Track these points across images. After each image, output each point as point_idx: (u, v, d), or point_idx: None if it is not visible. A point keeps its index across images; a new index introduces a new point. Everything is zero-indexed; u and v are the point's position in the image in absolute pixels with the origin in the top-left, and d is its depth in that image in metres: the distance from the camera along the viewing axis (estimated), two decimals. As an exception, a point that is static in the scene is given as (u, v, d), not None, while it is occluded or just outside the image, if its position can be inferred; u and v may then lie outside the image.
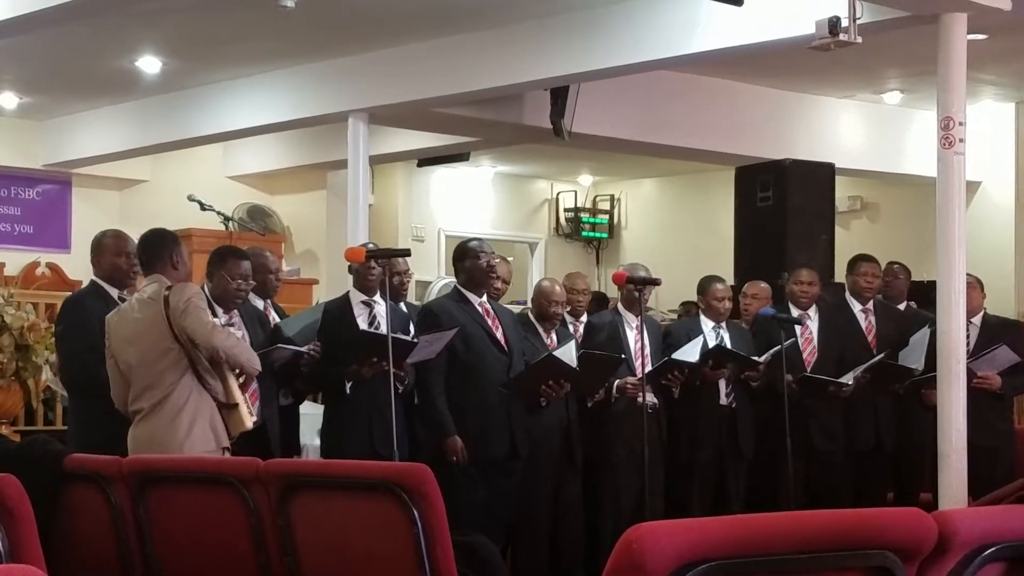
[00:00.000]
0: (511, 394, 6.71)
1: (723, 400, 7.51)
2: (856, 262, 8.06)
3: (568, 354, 6.80)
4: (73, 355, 6.22)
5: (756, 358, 7.39)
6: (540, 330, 7.13)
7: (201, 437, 5.55)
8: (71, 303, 6.43)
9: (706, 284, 7.69)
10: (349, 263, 6.74)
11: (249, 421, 5.76)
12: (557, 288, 7.18)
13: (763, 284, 8.36)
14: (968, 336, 7.45)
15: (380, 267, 6.52)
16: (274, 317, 6.89)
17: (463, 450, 6.53)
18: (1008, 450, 7.63)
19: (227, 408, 5.67)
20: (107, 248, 6.31)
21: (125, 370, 5.68)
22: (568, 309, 7.32)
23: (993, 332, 7.66)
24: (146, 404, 5.61)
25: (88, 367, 6.04)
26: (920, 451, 7.75)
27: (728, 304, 7.66)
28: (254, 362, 5.74)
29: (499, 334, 6.77)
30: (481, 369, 6.68)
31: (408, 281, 7.20)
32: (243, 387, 5.78)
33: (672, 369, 7.24)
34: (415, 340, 6.42)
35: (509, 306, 7.68)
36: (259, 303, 6.80)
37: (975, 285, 7.55)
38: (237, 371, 5.71)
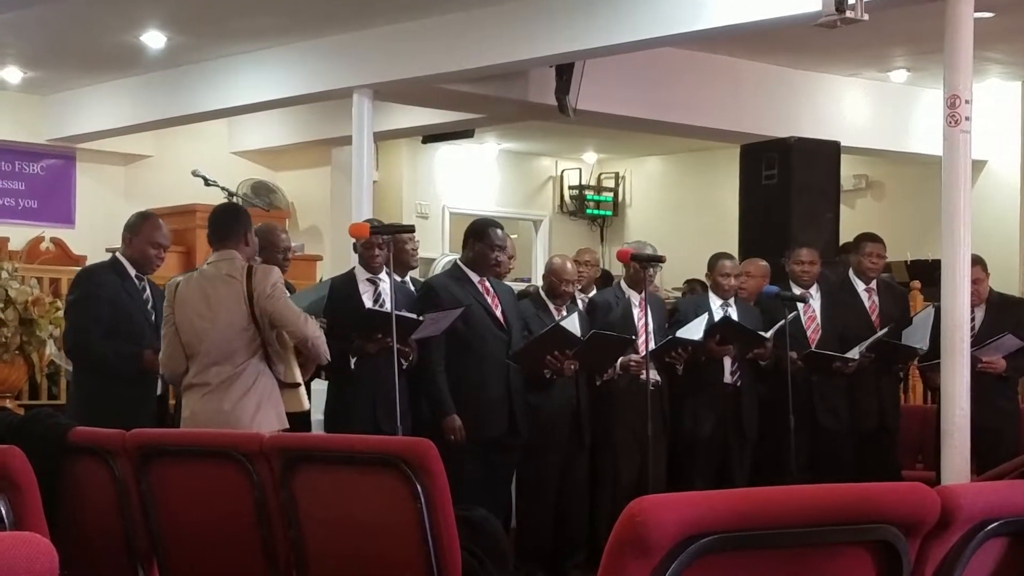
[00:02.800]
0: (518, 365, 6.72)
1: (727, 378, 7.51)
2: (861, 241, 8.04)
3: (573, 324, 6.81)
4: (78, 325, 6.26)
5: (762, 333, 7.39)
6: (551, 307, 7.12)
7: (268, 418, 5.56)
8: (85, 274, 6.51)
9: (714, 261, 7.69)
10: (354, 241, 6.74)
11: (306, 402, 5.81)
12: (569, 265, 7.18)
13: (762, 262, 8.30)
14: (973, 318, 7.46)
15: (384, 246, 6.52)
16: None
17: (461, 429, 6.55)
18: (1012, 431, 7.64)
19: (285, 388, 5.69)
20: (143, 234, 6.32)
21: (189, 341, 5.65)
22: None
23: (998, 312, 7.66)
24: (214, 380, 5.59)
25: (92, 339, 6.05)
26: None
27: (735, 281, 7.65)
28: (327, 354, 5.77)
29: (498, 312, 6.78)
30: (481, 347, 6.69)
31: (416, 253, 7.20)
32: (305, 370, 5.80)
33: (676, 347, 7.24)
34: (420, 318, 6.42)
35: (513, 283, 7.69)
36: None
37: (983, 275, 7.55)
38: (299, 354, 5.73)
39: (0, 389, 7.64)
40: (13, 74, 11.54)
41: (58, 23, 9.81)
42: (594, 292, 7.74)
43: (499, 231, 6.92)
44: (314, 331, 5.63)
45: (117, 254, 6.39)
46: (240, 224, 5.76)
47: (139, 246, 6.30)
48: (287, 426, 5.64)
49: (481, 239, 6.83)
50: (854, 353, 7.52)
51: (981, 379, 7.24)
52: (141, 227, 6.34)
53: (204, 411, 5.60)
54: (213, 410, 5.57)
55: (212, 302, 5.61)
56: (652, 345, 7.04)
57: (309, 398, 6.91)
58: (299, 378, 5.73)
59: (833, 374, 7.60)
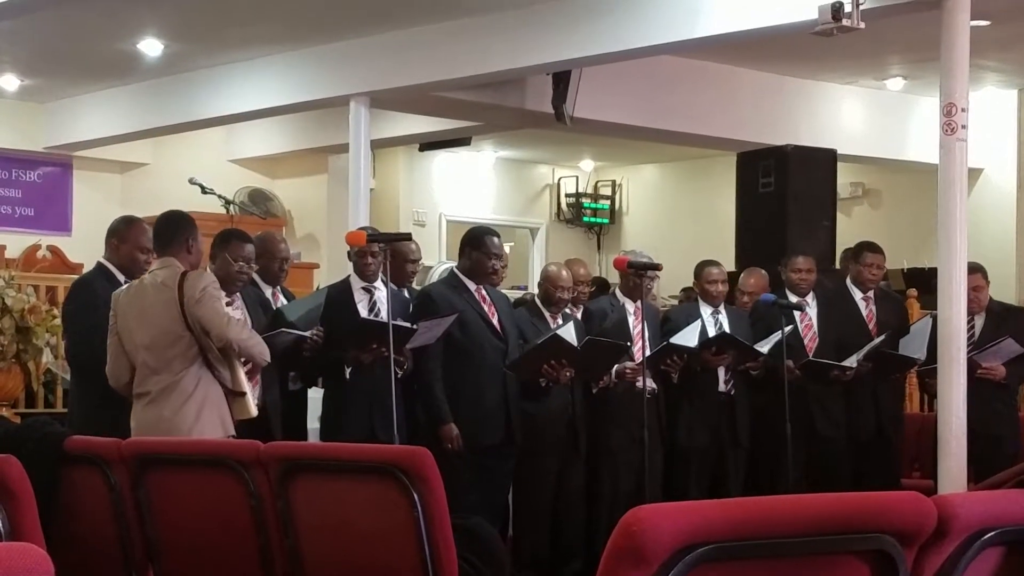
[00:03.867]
0: (515, 375, 6.72)
1: (721, 387, 7.51)
2: (861, 251, 8.00)
3: (569, 333, 6.81)
4: (82, 337, 6.22)
5: (758, 347, 7.38)
6: (547, 315, 7.12)
7: (210, 424, 5.55)
8: (81, 284, 6.44)
9: (699, 269, 7.69)
10: (349, 249, 6.74)
11: (254, 409, 5.77)
12: (564, 273, 7.18)
13: (762, 272, 8.27)
14: (973, 325, 7.46)
15: (378, 255, 6.52)
16: (282, 301, 6.88)
17: (458, 438, 6.54)
18: (1012, 438, 7.62)
19: (233, 396, 5.68)
20: (130, 240, 6.28)
21: (131, 350, 5.68)
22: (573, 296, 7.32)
23: (998, 320, 7.66)
24: (153, 388, 5.61)
25: (96, 350, 6.04)
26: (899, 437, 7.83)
27: (721, 287, 7.63)
28: (265, 355, 5.74)
29: (495, 320, 6.78)
30: (478, 355, 6.69)
31: (418, 269, 7.20)
32: (249, 375, 5.79)
33: (671, 354, 7.24)
34: (415, 327, 6.42)
35: (509, 291, 7.69)
36: (266, 289, 6.79)
37: (983, 283, 7.55)
38: (245, 360, 5.72)
39: (-4, 397, 7.64)
40: (10, 82, 11.54)
41: (55, 31, 9.81)
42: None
43: (495, 239, 6.92)
44: (237, 333, 5.57)
45: (103, 261, 6.34)
46: (182, 232, 5.75)
47: (128, 251, 6.27)
48: (232, 433, 5.63)
49: (478, 247, 6.83)
50: (851, 361, 7.52)
51: (980, 385, 7.23)
52: (128, 233, 6.31)
53: (146, 420, 5.62)
54: (155, 418, 5.59)
55: (147, 311, 5.63)
56: (647, 352, 7.04)
57: (305, 406, 6.94)
58: (245, 387, 5.70)
59: (830, 383, 7.59)
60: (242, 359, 5.71)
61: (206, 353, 5.60)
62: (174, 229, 5.78)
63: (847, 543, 2.63)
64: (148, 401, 5.63)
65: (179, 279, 5.57)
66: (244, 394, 5.69)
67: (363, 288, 6.71)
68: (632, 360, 7.12)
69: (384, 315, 6.35)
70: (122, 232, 6.32)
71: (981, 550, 2.80)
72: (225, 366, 5.65)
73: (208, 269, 6.24)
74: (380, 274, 6.61)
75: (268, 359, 5.80)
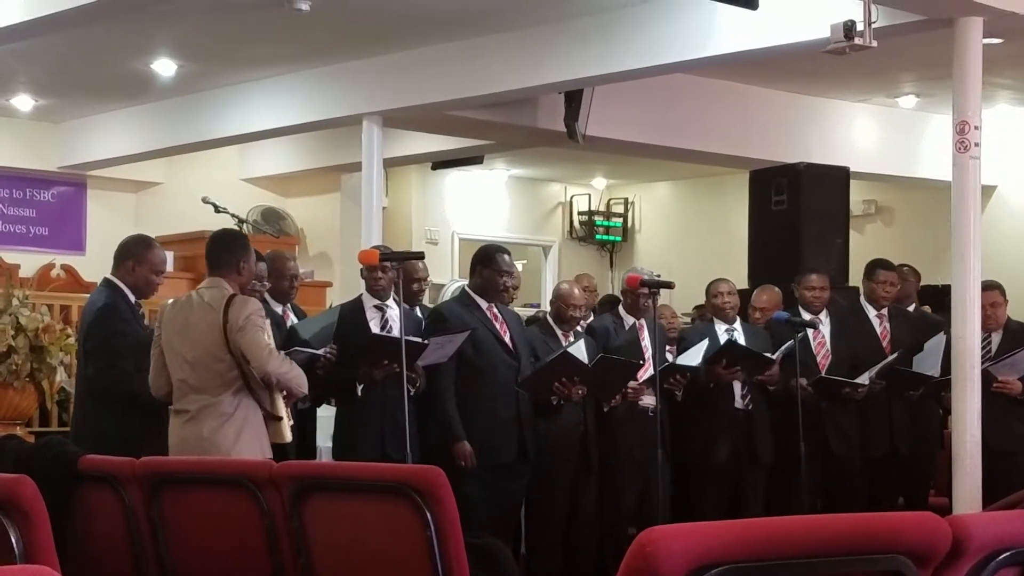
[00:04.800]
0: (527, 392, 6.72)
1: (738, 403, 7.48)
2: (874, 268, 7.99)
3: (580, 350, 6.81)
4: (113, 366, 6.06)
5: (768, 355, 7.36)
6: (559, 333, 7.11)
7: (248, 446, 5.52)
8: (110, 311, 6.16)
9: (709, 286, 7.70)
10: (361, 267, 6.75)
11: (289, 434, 5.73)
12: (576, 291, 7.19)
13: (776, 289, 8.28)
14: (990, 342, 7.44)
15: (388, 272, 6.53)
16: (293, 319, 6.88)
17: (472, 455, 6.54)
18: (1026, 455, 7.60)
19: (271, 419, 5.66)
20: (148, 262, 6.20)
21: (173, 366, 5.65)
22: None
23: (1015, 338, 7.62)
24: (192, 407, 5.59)
25: (127, 378, 5.96)
26: (929, 454, 7.76)
27: (730, 299, 7.60)
28: (303, 387, 5.70)
29: (507, 337, 6.79)
30: (490, 372, 6.69)
31: (426, 287, 7.21)
32: (285, 402, 5.76)
33: (674, 373, 7.22)
34: (425, 342, 6.42)
35: (521, 309, 7.70)
36: (276, 307, 6.80)
37: (1001, 299, 7.53)
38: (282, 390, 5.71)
39: (10, 416, 7.63)
40: (25, 102, 11.59)
41: (69, 51, 9.85)
42: (591, 317, 7.73)
43: (506, 256, 6.92)
44: (278, 367, 5.53)
45: (114, 280, 6.21)
46: (232, 253, 5.72)
47: (143, 274, 6.20)
48: (270, 456, 5.56)
49: (488, 265, 6.84)
50: (863, 379, 7.50)
51: (996, 401, 7.22)
52: (145, 255, 6.23)
53: (187, 438, 5.59)
54: (194, 437, 5.57)
55: (190, 329, 5.62)
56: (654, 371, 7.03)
57: (315, 425, 6.93)
58: (283, 411, 5.68)
59: (843, 400, 7.57)
60: (283, 391, 5.69)
61: (247, 377, 5.58)
62: (225, 250, 5.75)
63: (862, 564, 2.63)
64: (188, 419, 5.61)
65: (225, 303, 5.55)
66: (281, 418, 5.67)
67: (375, 306, 6.71)
68: (636, 379, 7.11)
69: (396, 332, 6.35)
70: (138, 254, 6.23)
71: (996, 571, 2.79)
72: (264, 390, 5.63)
73: None
74: (392, 292, 6.62)
75: (305, 391, 5.76)
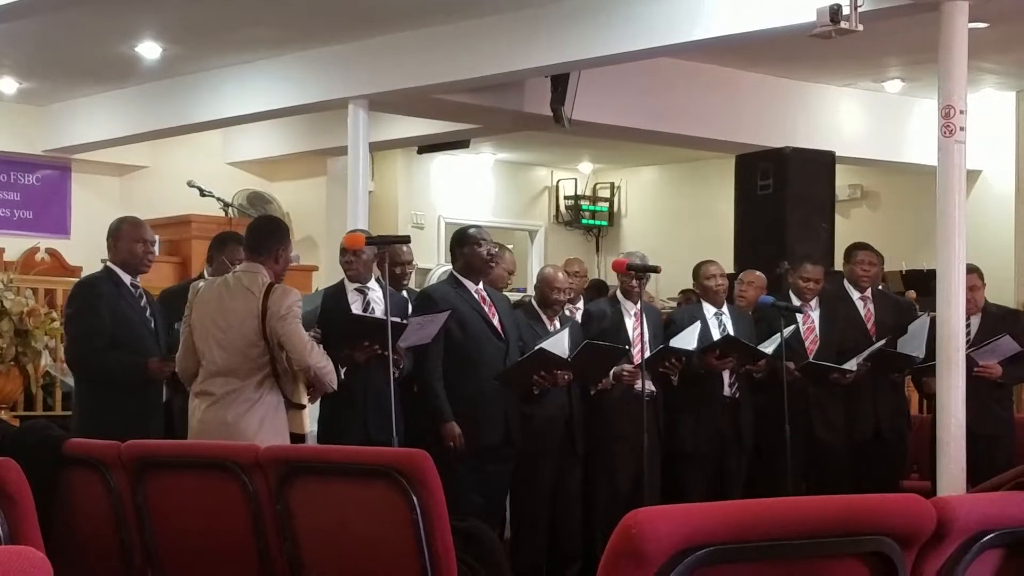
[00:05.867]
0: (504, 385, 6.71)
1: (726, 391, 7.49)
2: (852, 251, 8.04)
3: (560, 344, 6.78)
4: (80, 337, 6.21)
5: (762, 349, 7.38)
6: (544, 317, 7.11)
7: (271, 433, 5.52)
8: (84, 285, 6.42)
9: (697, 269, 7.70)
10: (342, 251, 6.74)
11: (308, 423, 5.77)
12: (560, 275, 7.17)
13: (758, 272, 8.36)
14: (969, 326, 7.45)
15: (362, 256, 6.52)
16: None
17: (460, 436, 6.54)
18: (1009, 438, 7.62)
19: (292, 407, 5.67)
20: (125, 235, 6.29)
21: (201, 346, 5.64)
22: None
23: (994, 321, 7.66)
24: (218, 390, 5.58)
25: (95, 351, 6.02)
26: (902, 438, 7.82)
27: (720, 281, 7.61)
28: (334, 383, 5.75)
29: (495, 320, 6.77)
30: (478, 355, 6.68)
31: (411, 271, 7.18)
32: (312, 398, 5.79)
33: (669, 356, 7.23)
34: (405, 322, 6.40)
35: (508, 293, 7.68)
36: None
37: (979, 283, 7.55)
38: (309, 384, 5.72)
39: (-4, 400, 7.64)
40: (9, 85, 11.54)
41: (54, 34, 9.81)
42: (581, 302, 7.73)
43: (477, 229, 6.90)
44: (318, 360, 5.58)
45: (108, 263, 6.35)
46: (275, 240, 5.72)
47: (126, 246, 6.27)
48: (289, 444, 5.61)
49: (464, 243, 6.82)
50: (852, 364, 7.52)
51: (977, 385, 7.23)
52: (122, 229, 6.32)
53: (210, 421, 5.58)
54: (219, 421, 5.56)
55: (227, 312, 5.60)
56: (646, 355, 7.04)
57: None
58: (304, 400, 5.71)
59: (830, 385, 7.59)
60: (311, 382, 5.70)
61: (275, 364, 5.58)
62: (267, 236, 5.74)
63: (847, 545, 2.63)
64: (212, 402, 5.60)
65: (265, 289, 5.54)
66: (304, 407, 5.69)
67: (356, 289, 6.70)
68: (631, 363, 7.11)
69: (378, 314, 6.35)
70: (116, 230, 6.34)
71: (980, 552, 2.80)
72: (290, 378, 5.64)
73: (207, 272, 6.23)
74: (373, 275, 6.61)
75: (335, 386, 5.80)
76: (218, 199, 11.71)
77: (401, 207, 14.49)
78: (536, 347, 6.74)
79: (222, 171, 13.09)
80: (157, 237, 6.69)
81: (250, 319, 5.53)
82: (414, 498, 4.12)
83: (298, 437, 5.79)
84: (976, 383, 7.22)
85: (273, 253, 5.68)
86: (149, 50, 10.28)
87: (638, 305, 7.10)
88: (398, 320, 6.37)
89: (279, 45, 10.22)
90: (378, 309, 6.50)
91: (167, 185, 12.35)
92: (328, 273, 11.42)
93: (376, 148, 11.73)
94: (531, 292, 10.93)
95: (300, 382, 5.67)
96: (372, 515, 4.30)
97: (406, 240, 6.90)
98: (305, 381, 5.70)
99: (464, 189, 15.17)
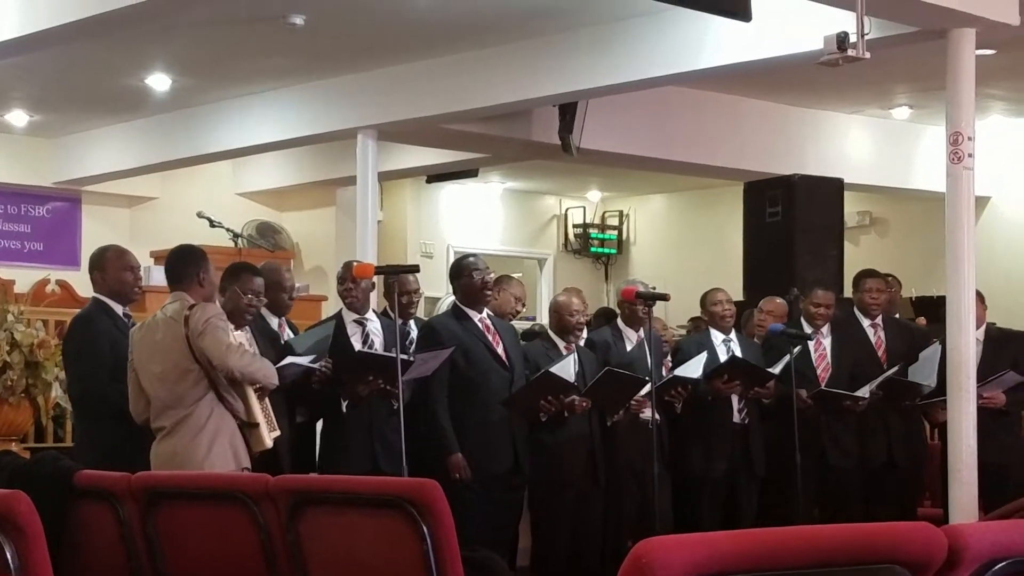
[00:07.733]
0: (511, 410, 6.70)
1: (736, 418, 7.48)
2: (860, 278, 8.05)
3: (567, 369, 6.79)
4: (83, 374, 6.15)
5: (770, 369, 7.37)
6: (561, 346, 7.10)
7: (221, 456, 5.55)
8: (81, 321, 6.33)
9: (705, 295, 7.71)
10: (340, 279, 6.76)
11: (269, 440, 5.75)
12: (574, 300, 7.18)
13: (779, 300, 8.36)
14: (972, 350, 7.46)
15: (361, 284, 6.55)
16: (288, 334, 6.88)
17: (466, 467, 6.53)
18: (1017, 466, 7.61)
19: (248, 427, 5.68)
20: (111, 263, 6.22)
21: (147, 386, 5.70)
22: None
23: (996, 344, 7.66)
24: (167, 422, 5.62)
25: (99, 386, 5.99)
26: (919, 465, 7.78)
27: (727, 307, 7.61)
28: (271, 377, 5.73)
29: (500, 349, 6.77)
30: (483, 385, 6.68)
31: (417, 300, 7.19)
32: (260, 398, 5.77)
33: (676, 385, 7.22)
34: (412, 359, 6.41)
35: (518, 323, 7.68)
36: (272, 320, 6.80)
37: (981, 307, 7.55)
38: (256, 386, 5.71)
39: (6, 432, 7.63)
40: (19, 117, 11.59)
41: (64, 67, 9.86)
42: (585, 332, 7.73)
43: (473, 259, 6.95)
44: (237, 360, 5.53)
45: (96, 295, 6.25)
46: (193, 265, 5.76)
47: (114, 276, 6.19)
48: (246, 465, 5.61)
49: (460, 274, 6.86)
50: (864, 392, 7.51)
51: (982, 414, 7.22)
52: (106, 257, 6.23)
53: (162, 454, 5.63)
54: (170, 451, 5.60)
55: (158, 346, 5.65)
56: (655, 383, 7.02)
57: (314, 439, 6.92)
58: (259, 417, 5.69)
59: (843, 412, 7.58)
60: (254, 386, 5.70)
61: (216, 385, 5.61)
62: (183, 264, 5.79)
63: (859, 574, 2.62)
64: (164, 435, 5.64)
65: (187, 314, 5.58)
66: (258, 425, 5.69)
67: (355, 321, 6.71)
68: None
69: (377, 346, 6.36)
70: (100, 260, 6.24)
71: (992, 580, 2.79)
72: (236, 397, 5.65)
73: (219, 303, 6.23)
74: (371, 306, 6.64)
75: (276, 382, 5.78)
76: (228, 230, 11.74)
77: (410, 236, 14.50)
78: (542, 371, 6.74)
79: (232, 202, 13.13)
80: (143, 263, 6.60)
81: (177, 345, 5.56)
82: (424, 528, 4.11)
83: (274, 461, 5.79)
84: (981, 412, 7.21)
85: (194, 279, 5.72)
86: (159, 82, 10.33)
87: (640, 332, 7.10)
88: (404, 357, 6.38)
89: (288, 76, 10.26)
90: (376, 340, 6.53)
91: (177, 216, 12.38)
92: (337, 303, 11.39)
93: (385, 178, 11.76)
94: (540, 321, 10.95)
95: (251, 399, 5.66)
96: (383, 545, 4.29)
97: (415, 269, 6.92)
98: (252, 386, 5.68)
99: (473, 218, 15.19)
